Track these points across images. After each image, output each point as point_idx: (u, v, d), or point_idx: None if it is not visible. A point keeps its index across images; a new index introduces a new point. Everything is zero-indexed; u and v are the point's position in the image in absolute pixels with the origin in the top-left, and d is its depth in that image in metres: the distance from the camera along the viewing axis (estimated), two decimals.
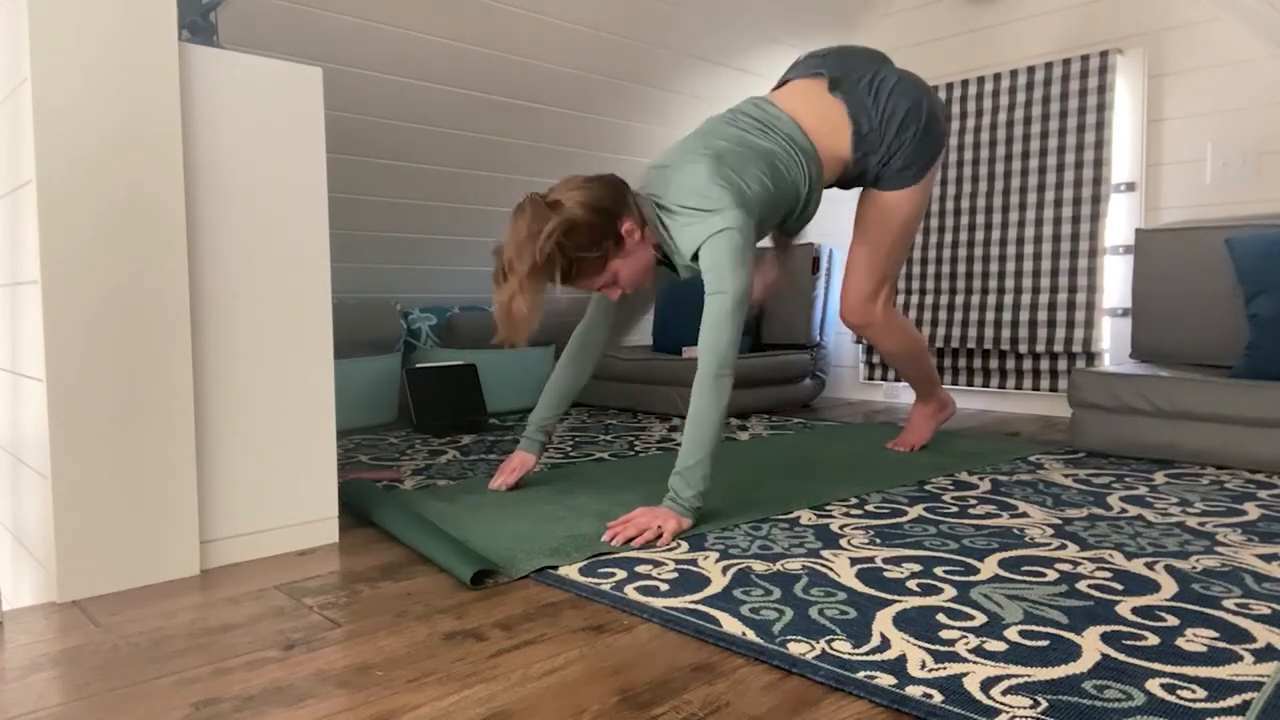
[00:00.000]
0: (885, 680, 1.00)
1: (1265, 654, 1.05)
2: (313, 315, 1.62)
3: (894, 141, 2.04)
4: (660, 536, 1.57)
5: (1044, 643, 1.10)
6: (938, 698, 0.95)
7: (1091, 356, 3.15)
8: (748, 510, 1.80)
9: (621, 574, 1.40)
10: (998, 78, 3.35)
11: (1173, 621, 1.17)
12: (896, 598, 1.27)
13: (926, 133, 2.06)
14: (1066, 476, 2.13)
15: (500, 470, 2.03)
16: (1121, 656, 1.05)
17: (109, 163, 1.37)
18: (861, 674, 1.01)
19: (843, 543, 1.57)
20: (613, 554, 1.52)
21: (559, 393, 2.01)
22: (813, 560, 1.46)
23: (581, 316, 2.04)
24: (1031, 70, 3.25)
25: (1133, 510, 1.78)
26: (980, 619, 1.18)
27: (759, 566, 1.43)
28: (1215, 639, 1.10)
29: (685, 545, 1.57)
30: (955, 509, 1.81)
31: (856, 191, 2.24)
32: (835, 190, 2.24)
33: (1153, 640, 1.10)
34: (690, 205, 1.72)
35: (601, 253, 1.69)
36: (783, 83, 2.16)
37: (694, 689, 1.00)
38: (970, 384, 3.48)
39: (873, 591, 1.30)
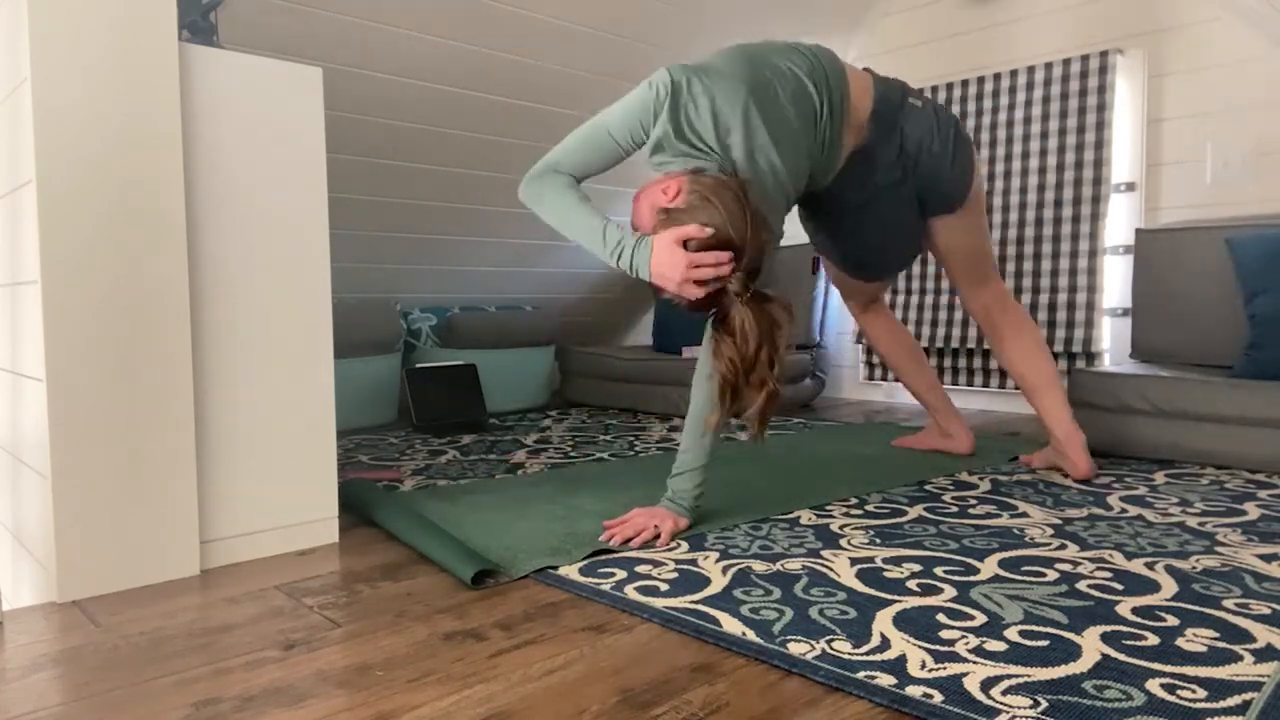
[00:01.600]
0: (885, 680, 1.00)
1: (1265, 654, 1.05)
2: (313, 315, 1.62)
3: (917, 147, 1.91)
4: (659, 537, 1.58)
5: (1044, 643, 1.10)
6: (938, 698, 0.95)
7: (1091, 356, 3.15)
8: (748, 510, 1.80)
9: (621, 574, 1.40)
10: (998, 78, 3.35)
11: (1173, 621, 1.17)
12: (896, 598, 1.27)
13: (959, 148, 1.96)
14: (1066, 476, 2.13)
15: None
16: (1121, 656, 1.05)
17: (109, 163, 1.37)
18: (861, 674, 1.01)
19: (843, 543, 1.57)
20: (613, 554, 1.52)
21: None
22: (813, 560, 1.46)
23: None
24: (1031, 70, 3.25)
25: (1133, 510, 1.78)
26: (980, 619, 1.18)
27: (759, 566, 1.43)
28: (1215, 639, 1.10)
29: (685, 545, 1.57)
30: (955, 509, 1.81)
31: None
32: None
33: (1153, 640, 1.10)
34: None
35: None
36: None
37: (694, 689, 1.00)
38: (970, 384, 3.48)
39: (873, 591, 1.30)
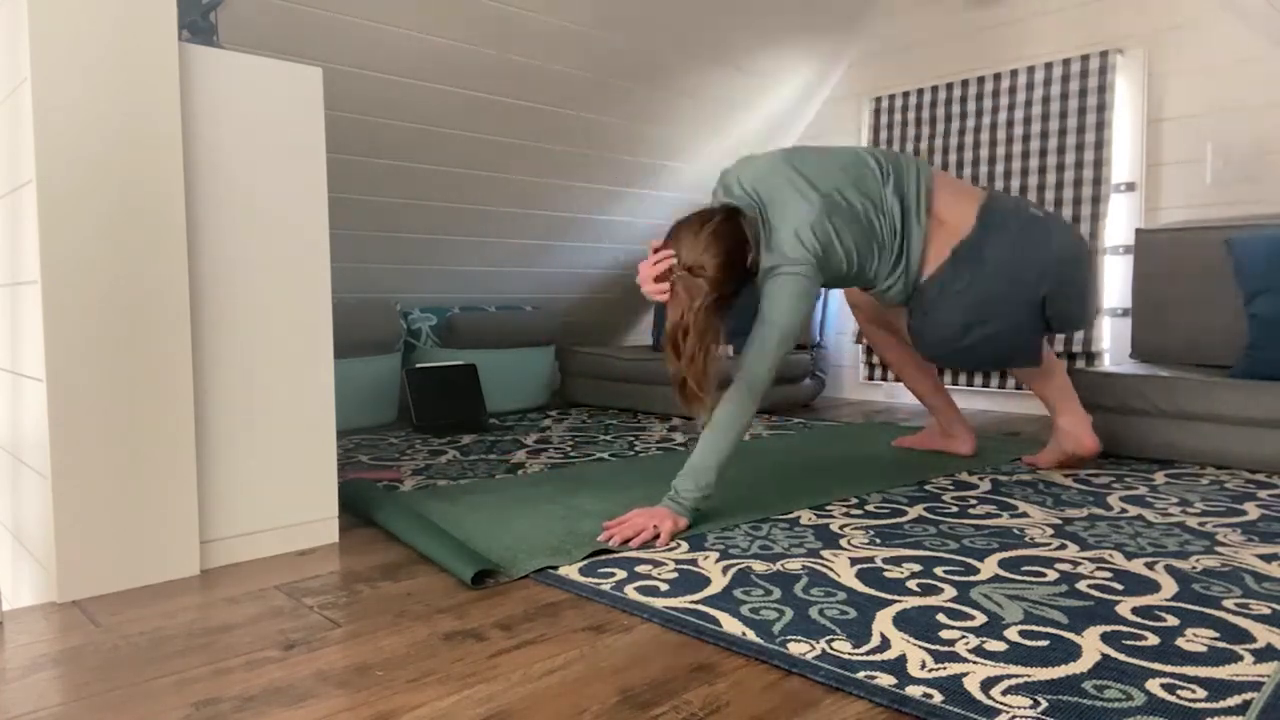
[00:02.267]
0: (885, 680, 1.00)
1: (1265, 654, 1.05)
2: (313, 315, 1.62)
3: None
4: (658, 537, 1.58)
5: (1044, 643, 1.10)
6: (938, 698, 0.95)
7: (1091, 356, 3.15)
8: (748, 510, 1.80)
9: (621, 574, 1.40)
10: (998, 78, 3.35)
11: (1173, 621, 1.17)
12: (896, 598, 1.27)
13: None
14: (1066, 476, 2.13)
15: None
16: (1121, 656, 1.05)
17: (109, 163, 1.37)
18: (861, 674, 1.01)
19: (843, 543, 1.57)
20: (613, 554, 1.52)
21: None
22: (813, 560, 1.46)
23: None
24: (1031, 70, 3.25)
25: (1133, 510, 1.78)
26: (980, 619, 1.18)
27: (759, 566, 1.43)
28: (1215, 639, 1.10)
29: (685, 545, 1.57)
30: (955, 509, 1.81)
31: None
32: None
33: (1153, 640, 1.10)
34: (779, 241, 1.79)
35: (737, 291, 1.80)
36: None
37: (694, 689, 1.00)
38: (970, 384, 3.48)
39: (873, 591, 1.30)
